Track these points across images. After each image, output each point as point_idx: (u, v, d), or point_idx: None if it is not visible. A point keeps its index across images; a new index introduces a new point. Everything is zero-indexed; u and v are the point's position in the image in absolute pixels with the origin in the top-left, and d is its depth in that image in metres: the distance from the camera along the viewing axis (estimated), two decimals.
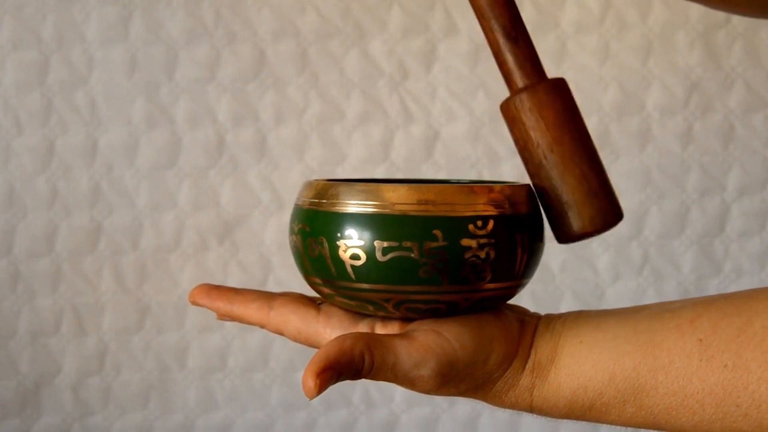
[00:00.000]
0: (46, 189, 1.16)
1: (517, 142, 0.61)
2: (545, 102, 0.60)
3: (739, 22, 1.19)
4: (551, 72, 1.17)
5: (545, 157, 0.60)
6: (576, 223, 0.59)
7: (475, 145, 1.20)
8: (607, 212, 0.60)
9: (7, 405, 1.19)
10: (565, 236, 0.60)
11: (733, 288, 1.22)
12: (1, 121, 1.15)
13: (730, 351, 0.54)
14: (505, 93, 0.62)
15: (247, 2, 1.17)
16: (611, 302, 1.22)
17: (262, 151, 1.18)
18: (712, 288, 1.23)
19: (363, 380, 1.24)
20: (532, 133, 0.60)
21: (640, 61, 1.20)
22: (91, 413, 1.20)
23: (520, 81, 0.61)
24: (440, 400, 1.23)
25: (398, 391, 1.23)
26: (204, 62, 1.17)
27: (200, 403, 1.22)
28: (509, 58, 0.61)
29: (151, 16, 1.16)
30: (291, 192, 1.18)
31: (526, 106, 0.60)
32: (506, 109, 0.61)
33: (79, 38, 1.15)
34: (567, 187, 0.59)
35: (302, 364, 1.21)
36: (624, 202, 1.19)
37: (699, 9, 1.19)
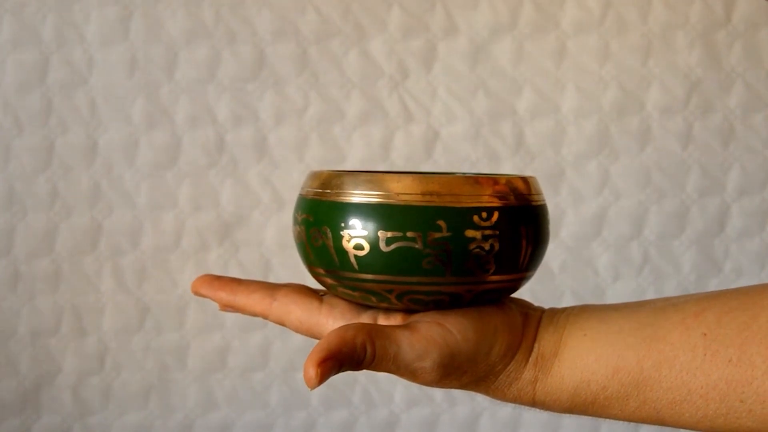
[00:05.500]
0: (46, 189, 1.16)
1: None
2: None
3: (739, 21, 1.19)
4: (551, 71, 1.18)
5: None
6: None
7: (475, 145, 1.20)
8: None
9: (7, 405, 1.18)
10: None
11: None
12: (1, 121, 1.15)
13: (734, 346, 0.54)
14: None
15: (247, 2, 1.17)
16: (611, 302, 1.21)
17: (262, 151, 1.18)
18: (712, 288, 1.23)
19: (363, 380, 1.24)
20: None
21: (640, 61, 1.20)
22: (91, 413, 1.20)
23: None
24: (440, 401, 1.23)
25: (398, 392, 1.23)
26: (204, 62, 1.17)
27: (200, 403, 1.22)
28: None
29: (151, 16, 1.16)
30: (291, 192, 1.18)
31: None
32: None
33: (79, 38, 1.15)
34: None
35: (302, 364, 1.21)
36: (624, 202, 1.20)
37: (699, 9, 1.19)
